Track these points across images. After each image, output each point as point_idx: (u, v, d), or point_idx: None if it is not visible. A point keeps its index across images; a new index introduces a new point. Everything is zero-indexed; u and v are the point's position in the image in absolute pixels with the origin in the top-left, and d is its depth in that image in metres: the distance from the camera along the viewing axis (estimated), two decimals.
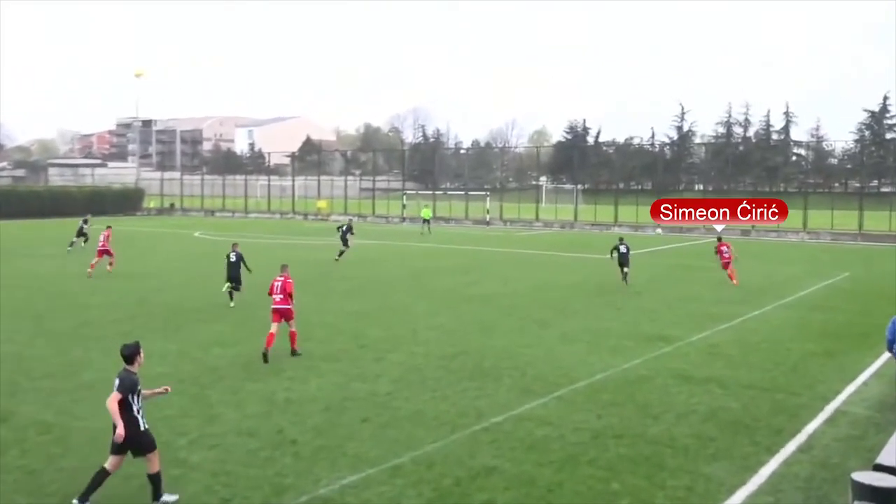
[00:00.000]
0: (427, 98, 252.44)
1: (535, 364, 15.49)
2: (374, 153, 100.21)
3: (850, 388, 14.04)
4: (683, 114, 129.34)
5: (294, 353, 15.95)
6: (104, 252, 30.23)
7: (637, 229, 59.42)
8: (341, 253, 34.94)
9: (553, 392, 13.54)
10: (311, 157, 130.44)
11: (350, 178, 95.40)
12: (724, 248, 28.70)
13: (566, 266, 34.30)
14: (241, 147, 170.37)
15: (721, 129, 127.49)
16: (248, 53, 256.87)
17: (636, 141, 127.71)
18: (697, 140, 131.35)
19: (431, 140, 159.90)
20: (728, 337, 18.48)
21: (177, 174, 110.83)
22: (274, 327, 15.98)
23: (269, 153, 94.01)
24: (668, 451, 10.72)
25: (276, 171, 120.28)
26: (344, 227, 36.21)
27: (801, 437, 11.34)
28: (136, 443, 8.55)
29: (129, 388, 8.55)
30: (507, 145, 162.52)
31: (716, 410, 12.60)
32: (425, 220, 59.75)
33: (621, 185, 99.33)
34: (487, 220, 66.90)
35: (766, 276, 31.32)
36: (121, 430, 8.36)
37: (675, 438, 11.21)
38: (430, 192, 78.97)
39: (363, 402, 12.88)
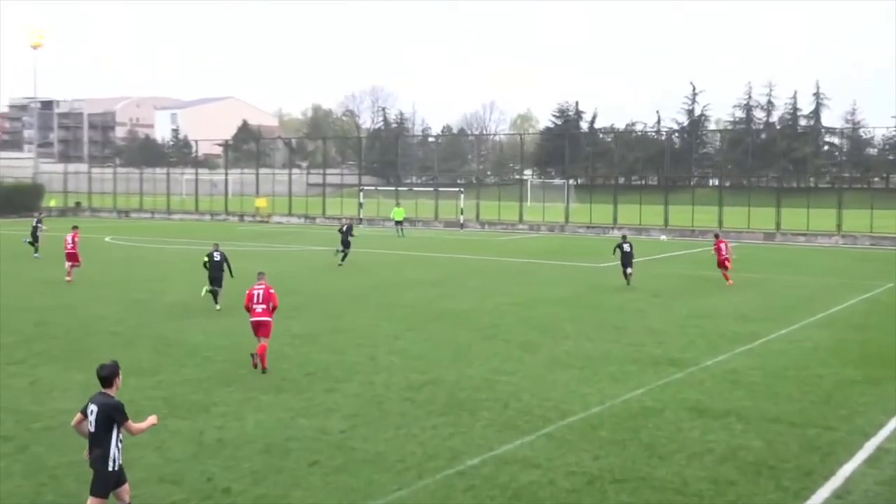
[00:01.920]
0: (388, 76, 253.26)
1: (519, 395, 15.52)
2: (324, 141, 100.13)
3: (895, 423, 14.22)
4: (695, 95, 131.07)
5: (263, 370, 16.96)
6: (72, 255, 31.92)
7: (640, 232, 59.94)
8: (344, 255, 38.26)
9: (541, 428, 13.56)
10: (247, 145, 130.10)
11: (295, 171, 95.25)
12: (721, 246, 32.11)
13: (556, 277, 34.45)
14: (162, 134, 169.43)
15: (740, 114, 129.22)
16: (170, 22, 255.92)
17: (639, 127, 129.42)
18: (712, 126, 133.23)
19: (394, 125, 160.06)
20: (750, 361, 18.66)
21: (84, 167, 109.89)
22: (262, 341, 17.27)
23: (196, 141, 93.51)
24: (679, 498, 10.78)
25: (206, 162, 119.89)
26: (344, 228, 39.39)
27: (836, 481, 11.45)
28: (104, 482, 8.67)
29: (121, 414, 8.62)
30: (484, 132, 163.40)
31: (735, 449, 12.69)
32: (398, 222, 60.04)
33: (622, 181, 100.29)
34: (461, 221, 67.14)
35: (794, 288, 31.71)
36: (152, 420, 8.91)
37: (687, 483, 11.28)
38: (393, 189, 79.19)
39: (311, 442, 12.81)
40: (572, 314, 24.77)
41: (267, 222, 73.84)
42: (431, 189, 78.10)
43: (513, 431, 13.38)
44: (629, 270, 31.22)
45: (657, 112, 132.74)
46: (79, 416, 8.82)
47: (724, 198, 62.28)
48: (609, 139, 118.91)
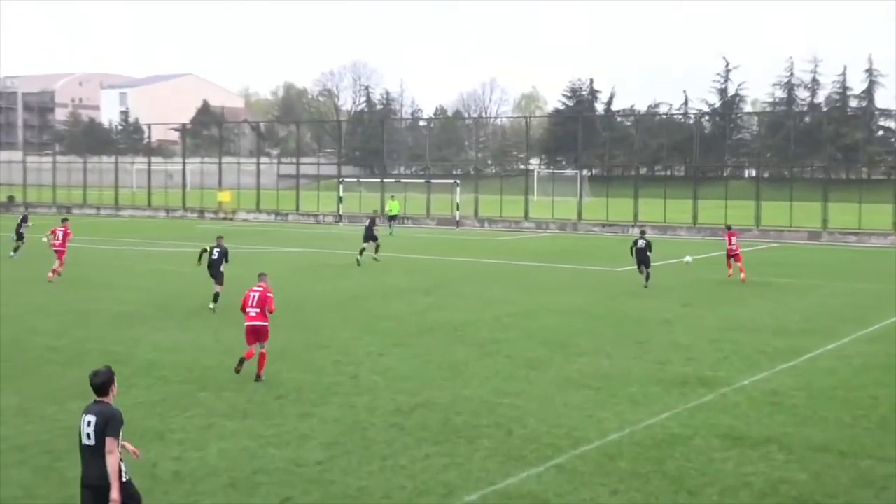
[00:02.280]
0: (372, 50, 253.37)
1: (525, 420, 15.53)
2: (297, 126, 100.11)
3: None
4: (728, 72, 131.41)
5: (258, 378, 17.97)
6: (59, 251, 34.14)
7: (665, 231, 60.06)
8: (377, 247, 40.61)
9: (550, 459, 13.58)
10: (209, 130, 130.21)
11: (265, 160, 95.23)
12: (733, 238, 35.02)
13: (567, 284, 34.48)
14: (109, 116, 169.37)
15: (780, 93, 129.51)
16: None
17: (663, 109, 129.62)
18: (748, 108, 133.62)
19: (378, 107, 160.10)
20: (792, 381, 18.69)
21: (18, 154, 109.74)
22: (254, 349, 18.24)
23: (148, 125, 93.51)
24: None
25: (160, 150, 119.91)
26: (367, 222, 41.41)
27: None
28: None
29: (119, 426, 8.96)
30: (484, 115, 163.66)
31: (776, 483, 12.71)
32: (392, 217, 60.36)
33: (643, 171, 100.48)
34: (457, 218, 67.19)
35: (844, 296, 31.78)
36: (116, 495, 8.69)
37: None
38: (378, 181, 79.15)
39: (283, 475, 12.80)
40: (586, 326, 24.79)
41: (231, 219, 73.82)
42: (422, 181, 78.15)
43: (517, 462, 13.38)
44: (647, 270, 32.94)
45: (684, 92, 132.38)
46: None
47: (762, 191, 62.39)
48: (628, 123, 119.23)
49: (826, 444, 14.45)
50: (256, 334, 18.25)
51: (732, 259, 35.13)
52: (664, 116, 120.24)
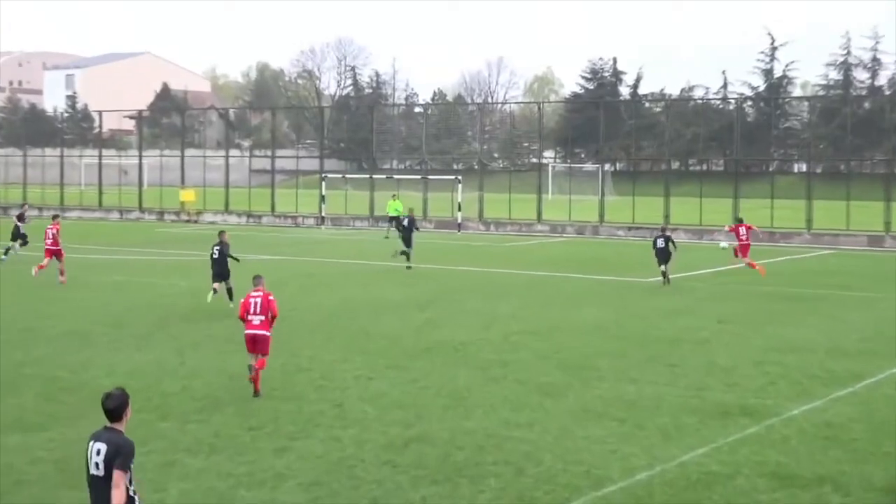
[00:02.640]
0: (359, 25, 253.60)
1: (538, 456, 15.52)
2: (273, 113, 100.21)
3: None
4: (774, 49, 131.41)
5: (257, 393, 19.02)
6: (55, 252, 36.46)
7: (701, 236, 60.06)
8: (407, 255, 41.57)
9: (567, 502, 13.56)
10: (169, 118, 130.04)
11: (235, 152, 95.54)
12: (741, 229, 39.35)
13: (587, 297, 34.47)
14: (53, 102, 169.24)
15: (835, 75, 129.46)
16: None
17: (699, 93, 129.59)
18: (797, 92, 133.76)
19: (367, 91, 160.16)
20: (850, 410, 18.67)
21: None
22: (254, 359, 19.28)
23: (100, 112, 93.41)
24: None
25: (113, 141, 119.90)
26: (405, 221, 42.97)
27: None
28: None
29: (130, 458, 9.32)
30: (490, 100, 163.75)
31: None
32: (392, 218, 60.46)
33: (675, 165, 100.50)
34: (458, 221, 67.20)
35: None
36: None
37: None
38: (367, 177, 79.19)
39: None
40: (609, 346, 24.76)
41: (195, 222, 73.86)
42: (418, 177, 78.15)
43: None
44: (663, 268, 36.32)
45: (723, 73, 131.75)
46: None
47: (814, 188, 62.41)
48: (658, 109, 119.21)
49: (889, 485, 14.42)
50: (258, 343, 19.48)
51: (744, 251, 39.49)
52: (700, 102, 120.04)
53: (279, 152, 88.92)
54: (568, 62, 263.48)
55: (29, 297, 32.50)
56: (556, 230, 65.28)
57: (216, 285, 30.66)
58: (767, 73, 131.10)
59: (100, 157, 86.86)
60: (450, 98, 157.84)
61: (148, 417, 17.49)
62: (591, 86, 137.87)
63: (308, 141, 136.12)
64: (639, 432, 16.96)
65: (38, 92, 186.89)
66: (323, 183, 72.56)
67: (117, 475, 9.16)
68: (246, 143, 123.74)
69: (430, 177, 76.34)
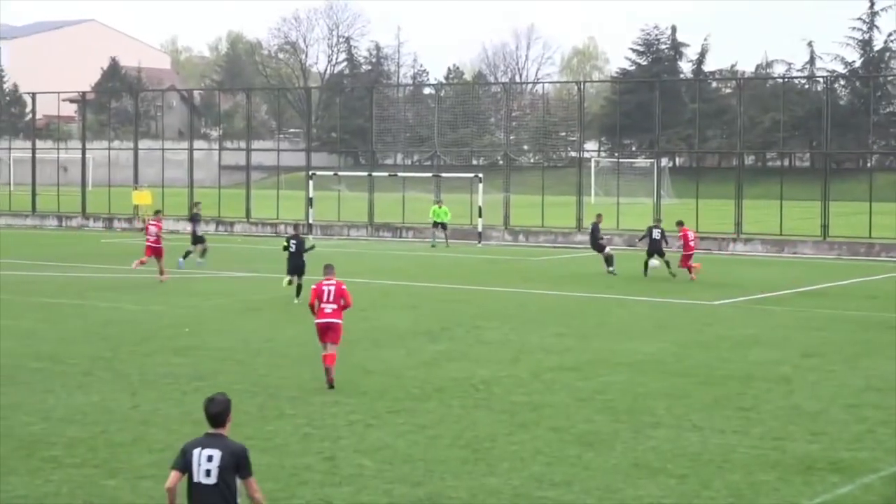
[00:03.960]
0: None
1: None
2: (248, 95, 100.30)
3: None
4: (873, 16, 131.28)
5: (331, 386, 23.33)
6: (155, 250, 43.26)
7: (782, 247, 60.02)
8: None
9: None
10: (119, 101, 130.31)
11: (201, 144, 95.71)
12: (689, 233, 44.84)
13: (640, 324, 34.44)
14: None
15: None
16: None
17: (778, 70, 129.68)
18: None
19: (365, 69, 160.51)
20: None
21: None
22: (329, 348, 23.41)
23: (32, 94, 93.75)
24: None
25: (49, 130, 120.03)
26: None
27: None
28: None
29: (250, 461, 11.28)
30: (518, 79, 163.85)
31: None
32: (437, 224, 61.30)
33: (749, 160, 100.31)
34: (479, 229, 67.16)
35: None
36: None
37: None
38: (364, 174, 79.18)
39: None
40: (666, 386, 24.74)
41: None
42: (429, 175, 78.14)
43: None
44: (656, 262, 44.28)
45: (809, 45, 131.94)
46: (175, 474, 11.28)
47: None
48: (728, 90, 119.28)
49: None
50: (330, 332, 23.48)
51: (686, 260, 44.63)
52: (780, 81, 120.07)
53: (256, 144, 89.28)
54: (615, 32, 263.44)
55: None
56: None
57: (290, 278, 37.51)
58: (865, 44, 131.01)
59: (33, 150, 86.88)
60: (468, 77, 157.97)
61: (92, 474, 17.53)
62: (643, 61, 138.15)
63: (291, 130, 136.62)
64: (703, 491, 16.96)
65: None
66: (310, 182, 72.61)
67: (251, 482, 11.18)
68: (214, 133, 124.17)
69: (444, 174, 76.25)
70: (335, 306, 23.47)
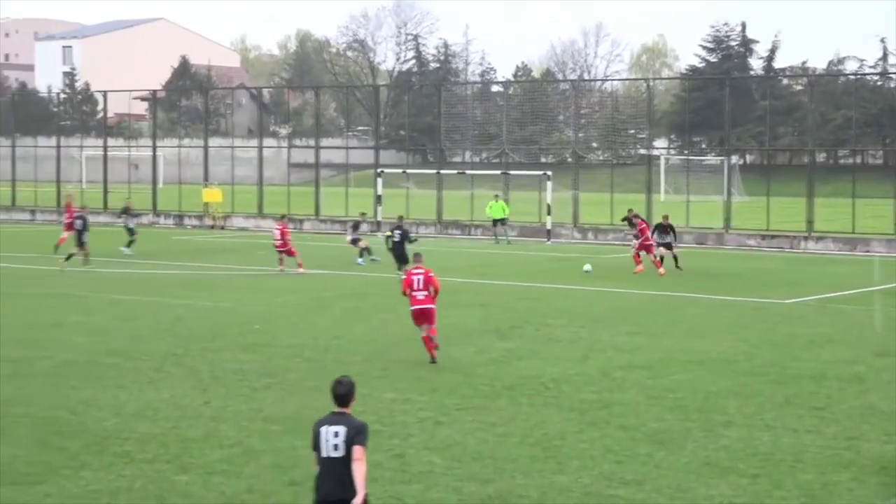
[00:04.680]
0: None
1: None
2: (316, 93, 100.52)
3: None
4: None
5: (434, 360, 26.10)
6: (285, 252, 47.03)
7: (854, 245, 59.46)
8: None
9: None
10: (189, 100, 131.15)
11: (270, 142, 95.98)
12: (644, 225, 47.58)
13: (710, 322, 34.28)
14: (47, 80, 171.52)
15: None
16: None
17: (851, 67, 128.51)
18: None
19: (433, 66, 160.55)
20: None
21: None
22: (424, 330, 26.28)
23: (104, 93, 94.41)
24: None
25: (120, 128, 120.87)
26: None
27: None
28: None
29: (368, 436, 12.40)
30: (587, 76, 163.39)
31: None
32: (497, 221, 61.64)
33: (821, 157, 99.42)
34: (548, 227, 67.03)
35: None
36: (359, 501, 11.92)
37: None
38: (433, 172, 79.21)
39: None
40: (738, 385, 24.61)
41: (222, 227, 74.27)
42: (497, 172, 78.04)
43: None
44: (662, 251, 46.42)
45: (882, 41, 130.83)
46: (316, 455, 12.41)
47: None
48: (799, 87, 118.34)
49: None
50: (425, 317, 26.21)
51: (643, 252, 46.91)
52: (852, 78, 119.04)
53: (324, 142, 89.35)
54: (685, 29, 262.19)
55: (16, 320, 32.90)
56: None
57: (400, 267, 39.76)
58: None
59: (105, 148, 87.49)
60: (536, 74, 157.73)
61: (163, 469, 17.63)
62: (713, 58, 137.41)
63: (360, 128, 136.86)
64: (775, 492, 16.85)
65: (29, 68, 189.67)
66: (379, 179, 72.76)
67: (359, 450, 12.06)
68: (283, 131, 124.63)
69: (512, 172, 76.02)
70: (426, 293, 26.10)
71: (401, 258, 40.83)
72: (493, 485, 17.04)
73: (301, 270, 46.10)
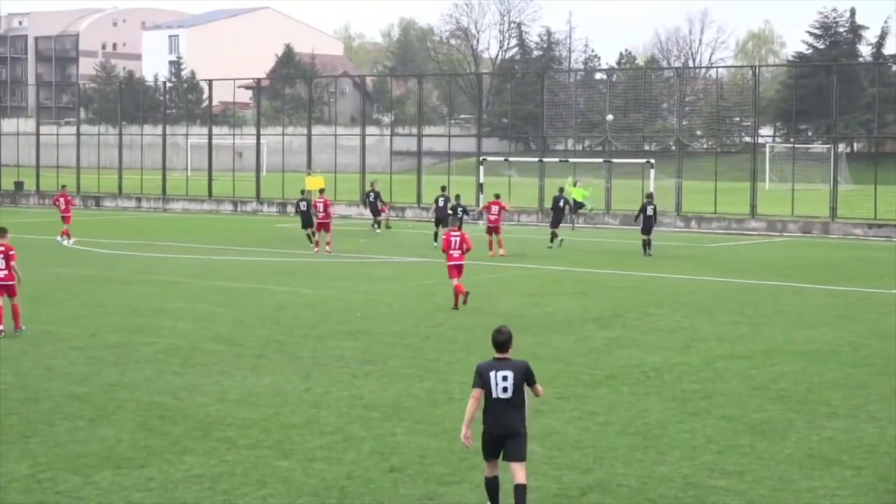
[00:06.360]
0: None
1: None
2: (419, 81, 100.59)
3: None
4: None
5: (465, 301, 32.44)
6: (324, 225, 49.10)
7: None
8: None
9: None
10: (293, 88, 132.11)
11: (373, 130, 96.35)
12: (493, 207, 48.14)
13: (815, 312, 33.94)
14: (153, 69, 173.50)
15: None
16: None
17: None
18: None
19: (536, 54, 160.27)
20: None
21: (30, 124, 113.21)
22: (455, 281, 32.48)
23: (209, 81, 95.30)
24: None
25: (225, 117, 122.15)
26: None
27: None
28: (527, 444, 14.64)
29: (532, 372, 14.48)
30: (691, 64, 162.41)
31: None
32: (577, 205, 62.51)
33: None
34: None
35: None
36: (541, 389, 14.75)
37: None
38: (535, 160, 79.15)
39: None
40: (842, 375, 24.37)
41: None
42: (600, 160, 77.80)
43: None
44: (646, 238, 47.79)
45: None
46: (477, 391, 14.13)
47: None
48: None
49: None
50: (458, 270, 32.68)
51: (493, 233, 47.95)
52: None
53: (427, 130, 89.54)
54: (792, 15, 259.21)
55: (121, 307, 33.29)
56: (775, 228, 64.46)
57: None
58: None
59: (209, 136, 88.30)
60: (640, 62, 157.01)
61: (265, 455, 17.76)
62: (821, 45, 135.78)
63: (462, 116, 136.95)
64: (881, 484, 16.68)
65: (136, 57, 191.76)
66: (481, 167, 72.80)
67: (536, 387, 14.42)
68: (386, 119, 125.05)
69: (615, 160, 75.93)
70: (460, 251, 32.68)
71: (442, 221, 49.42)
72: (593, 474, 17.00)
73: (328, 249, 48.35)
